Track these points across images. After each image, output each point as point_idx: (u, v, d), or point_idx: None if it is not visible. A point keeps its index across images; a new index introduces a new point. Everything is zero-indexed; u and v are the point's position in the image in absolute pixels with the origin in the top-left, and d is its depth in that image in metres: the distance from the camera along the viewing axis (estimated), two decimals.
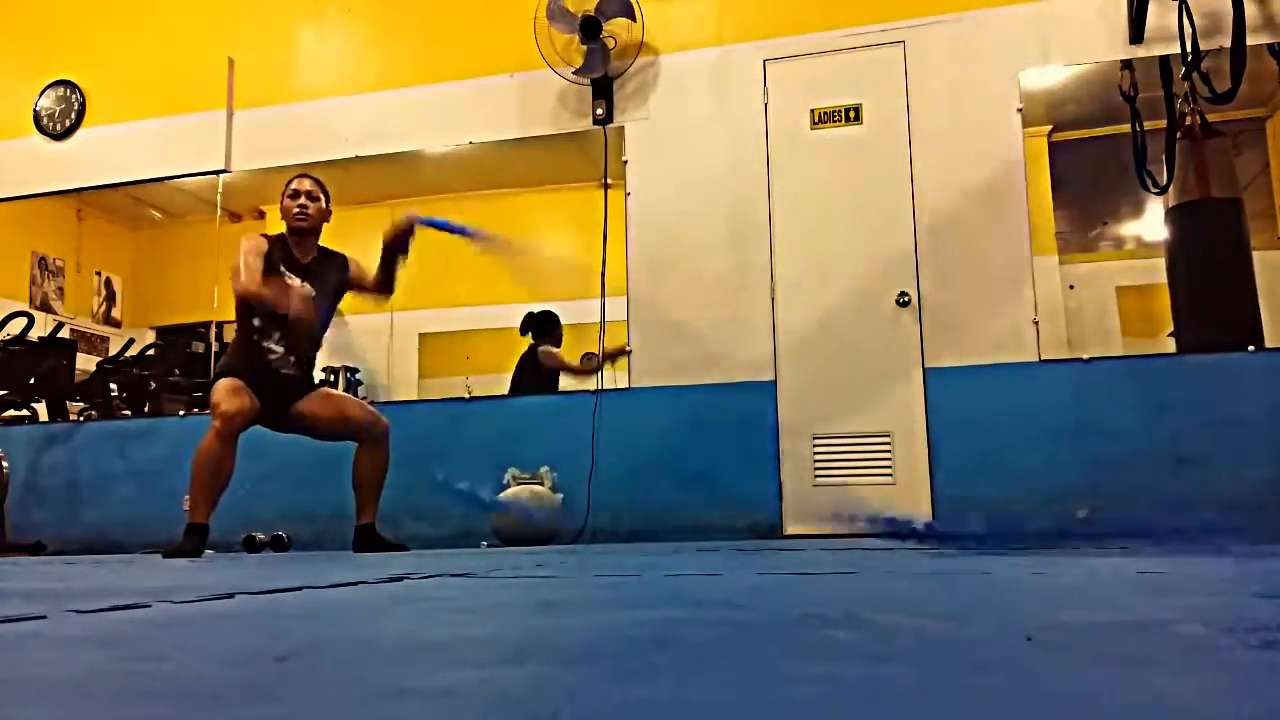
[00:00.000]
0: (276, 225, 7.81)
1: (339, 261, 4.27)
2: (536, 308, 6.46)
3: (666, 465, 4.90)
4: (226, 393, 3.92)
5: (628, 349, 5.18)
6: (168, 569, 3.05)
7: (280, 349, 4.08)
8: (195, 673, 0.89)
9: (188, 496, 3.98)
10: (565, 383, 6.17)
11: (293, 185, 4.18)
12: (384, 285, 4.24)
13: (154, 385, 6.45)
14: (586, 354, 5.98)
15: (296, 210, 4.13)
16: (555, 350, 6.22)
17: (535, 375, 6.13)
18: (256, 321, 4.07)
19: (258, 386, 4.00)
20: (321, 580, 2.16)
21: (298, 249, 4.16)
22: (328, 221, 4.24)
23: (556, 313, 6.36)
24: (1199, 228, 5.07)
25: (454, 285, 7.37)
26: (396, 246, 4.14)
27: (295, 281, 4.06)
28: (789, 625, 1.20)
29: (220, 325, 7.00)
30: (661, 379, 5.04)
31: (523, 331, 6.35)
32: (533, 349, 6.26)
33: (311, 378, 4.31)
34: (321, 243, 4.26)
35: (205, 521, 3.90)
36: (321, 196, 4.20)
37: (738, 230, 5.05)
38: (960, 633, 1.10)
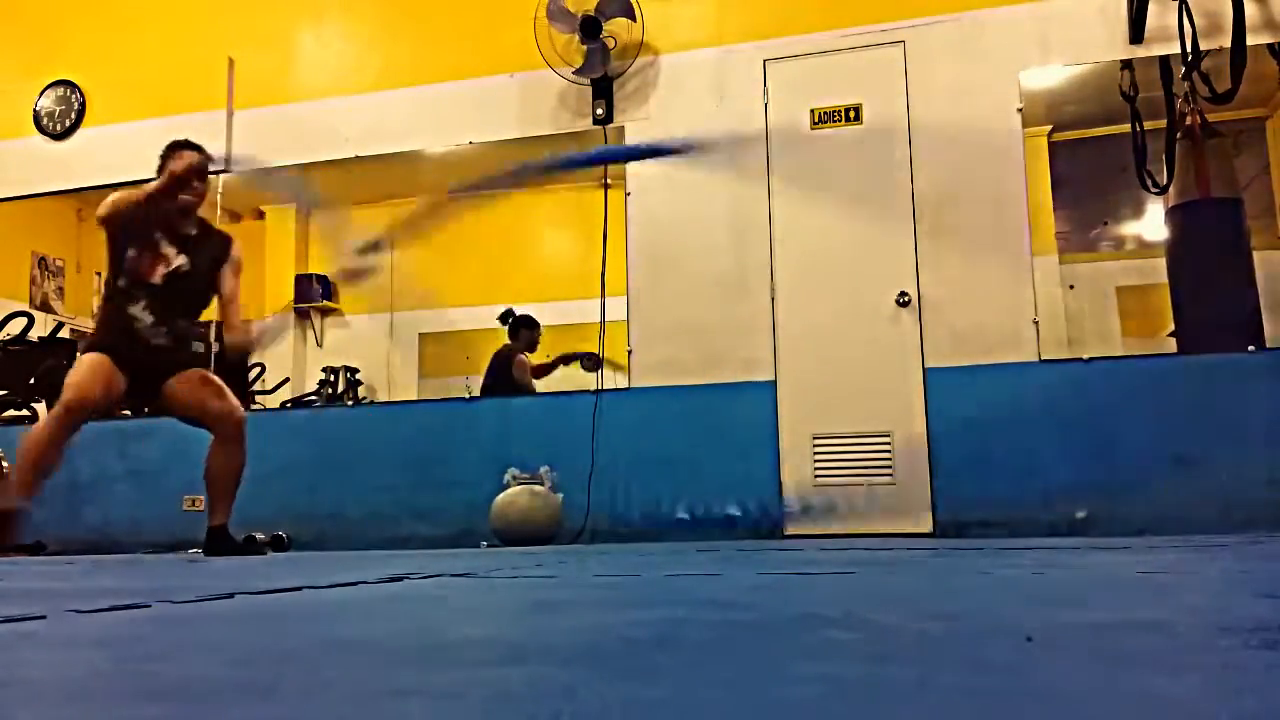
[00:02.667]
0: (276, 224, 7.84)
1: (220, 243, 4.05)
2: (533, 308, 6.54)
3: (666, 465, 4.90)
4: (80, 378, 3.69)
5: (594, 358, 5.22)
6: (168, 569, 3.05)
7: (149, 317, 3.82)
8: (195, 673, 0.89)
9: (199, 498, 3.91)
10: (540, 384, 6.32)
11: (188, 159, 3.86)
12: (228, 332, 4.05)
13: None
14: (586, 354, 6.01)
15: (189, 192, 3.88)
16: (528, 365, 6.32)
17: (507, 380, 6.20)
18: (121, 283, 3.85)
19: (126, 359, 3.78)
20: (321, 580, 2.16)
21: (180, 219, 3.91)
22: None
23: (536, 319, 6.46)
24: (1199, 228, 5.07)
25: (454, 285, 7.38)
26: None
27: (171, 252, 3.84)
28: (789, 625, 1.20)
29: (220, 325, 7.01)
30: (661, 379, 5.04)
31: (503, 323, 6.46)
32: (507, 351, 6.33)
33: (188, 351, 4.02)
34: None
35: (22, 508, 3.72)
36: (206, 169, 3.98)
37: (738, 230, 5.05)
38: (960, 633, 1.10)
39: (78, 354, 3.88)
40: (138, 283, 3.82)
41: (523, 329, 6.41)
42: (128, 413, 6.36)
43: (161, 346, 3.86)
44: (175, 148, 3.96)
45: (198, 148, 3.98)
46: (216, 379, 4.02)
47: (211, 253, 3.98)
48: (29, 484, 3.71)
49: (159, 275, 3.82)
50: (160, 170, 3.93)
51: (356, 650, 1.05)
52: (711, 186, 5.13)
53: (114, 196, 3.84)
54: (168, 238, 3.86)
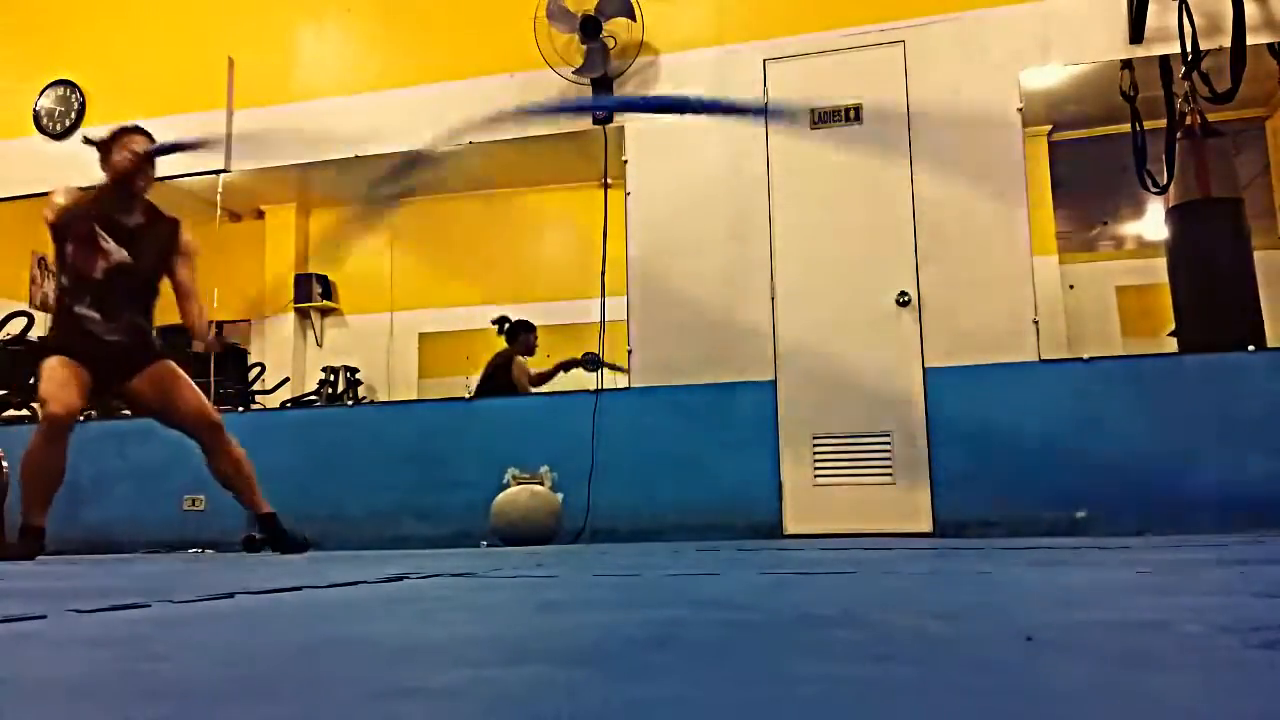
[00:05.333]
0: (277, 223, 7.83)
1: (169, 226, 3.94)
2: (533, 308, 6.55)
3: (666, 465, 4.90)
4: (55, 388, 3.65)
5: (594, 358, 5.22)
6: (168, 569, 3.05)
7: (95, 314, 3.76)
8: (195, 673, 0.89)
9: (199, 498, 3.90)
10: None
11: (128, 139, 3.84)
12: (187, 327, 3.96)
13: None
14: (586, 354, 6.01)
15: (134, 170, 3.80)
16: (526, 367, 6.33)
17: (506, 383, 6.20)
18: (65, 281, 3.81)
19: (84, 358, 3.73)
20: (321, 580, 2.16)
21: (123, 210, 3.84)
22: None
23: (532, 323, 6.47)
24: (1199, 228, 5.07)
25: (454, 285, 7.38)
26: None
27: (111, 246, 3.76)
28: (789, 625, 1.20)
29: (220, 325, 7.00)
30: (661, 379, 5.04)
31: (499, 329, 6.47)
32: (507, 355, 6.34)
33: (147, 345, 3.92)
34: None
35: (42, 524, 3.70)
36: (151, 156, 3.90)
37: (738, 230, 5.05)
38: (960, 633, 1.10)
39: (41, 361, 3.79)
40: (80, 280, 3.76)
41: (520, 333, 6.42)
42: (127, 412, 6.37)
43: (114, 343, 3.79)
44: (119, 134, 3.89)
45: (142, 131, 3.92)
46: (183, 376, 3.91)
47: (158, 242, 3.87)
48: (39, 500, 3.70)
49: (100, 270, 3.74)
50: (103, 159, 3.88)
51: (356, 650, 1.05)
52: (711, 186, 5.13)
53: (55, 197, 3.79)
54: (107, 231, 3.77)
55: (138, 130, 3.93)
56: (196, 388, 3.92)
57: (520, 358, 6.35)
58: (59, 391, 3.64)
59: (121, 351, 3.81)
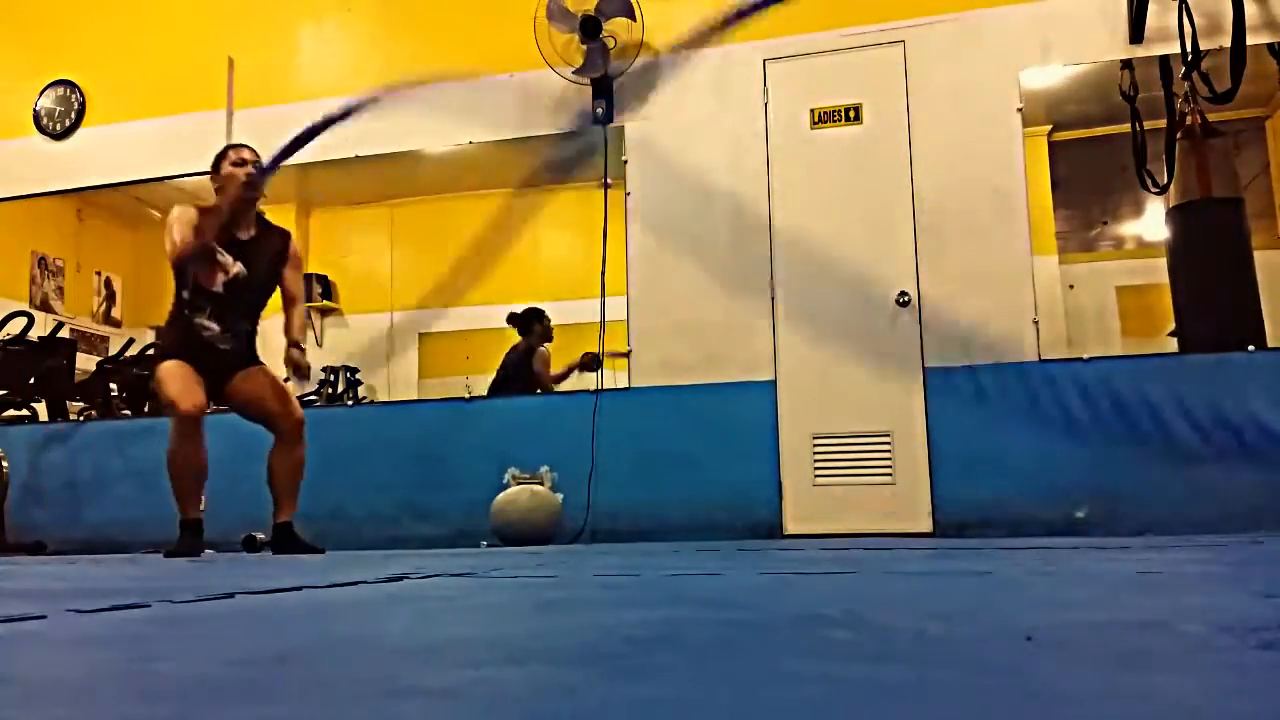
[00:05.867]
0: (277, 223, 7.83)
1: (280, 238, 4.17)
2: (518, 309, 6.50)
3: (666, 465, 4.90)
4: (180, 389, 3.86)
5: (625, 351, 5.19)
6: (168, 569, 3.05)
7: (213, 324, 3.99)
8: (195, 673, 0.89)
9: (200, 499, 4.02)
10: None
11: (241, 153, 4.08)
12: (286, 328, 4.14)
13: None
14: (586, 354, 5.98)
15: (244, 178, 4.01)
16: (549, 357, 6.25)
17: (526, 375, 6.14)
18: (185, 294, 4.00)
19: (196, 362, 3.94)
20: (321, 580, 2.16)
21: (236, 225, 4.03)
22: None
23: (543, 310, 6.39)
24: (1199, 227, 5.07)
25: (454, 285, 7.37)
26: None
27: (228, 261, 3.96)
28: (789, 625, 1.20)
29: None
30: (661, 379, 5.04)
31: (511, 323, 6.39)
32: (525, 346, 6.26)
33: (251, 352, 4.16)
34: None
35: (198, 516, 3.95)
36: (260, 162, 4.12)
37: (738, 230, 5.05)
38: (960, 633, 1.10)
39: (154, 365, 4.11)
40: (201, 293, 3.98)
41: (535, 323, 6.33)
42: (127, 412, 6.37)
43: (226, 350, 4.03)
44: (228, 151, 4.15)
45: (248, 147, 4.16)
46: (279, 379, 4.16)
47: (270, 253, 4.11)
48: (191, 494, 3.95)
49: (219, 284, 3.96)
50: (215, 171, 4.10)
51: (356, 650, 1.05)
52: (712, 186, 5.13)
53: (176, 221, 3.96)
54: (223, 246, 3.99)
55: (244, 146, 4.16)
56: (283, 387, 4.17)
57: (541, 348, 6.24)
58: (185, 392, 3.87)
59: (231, 357, 4.05)
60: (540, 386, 6.14)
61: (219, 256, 3.96)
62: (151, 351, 4.15)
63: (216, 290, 3.96)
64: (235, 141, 4.21)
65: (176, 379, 3.89)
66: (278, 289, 4.17)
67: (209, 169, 4.15)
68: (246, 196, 4.05)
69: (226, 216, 4.02)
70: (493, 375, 6.35)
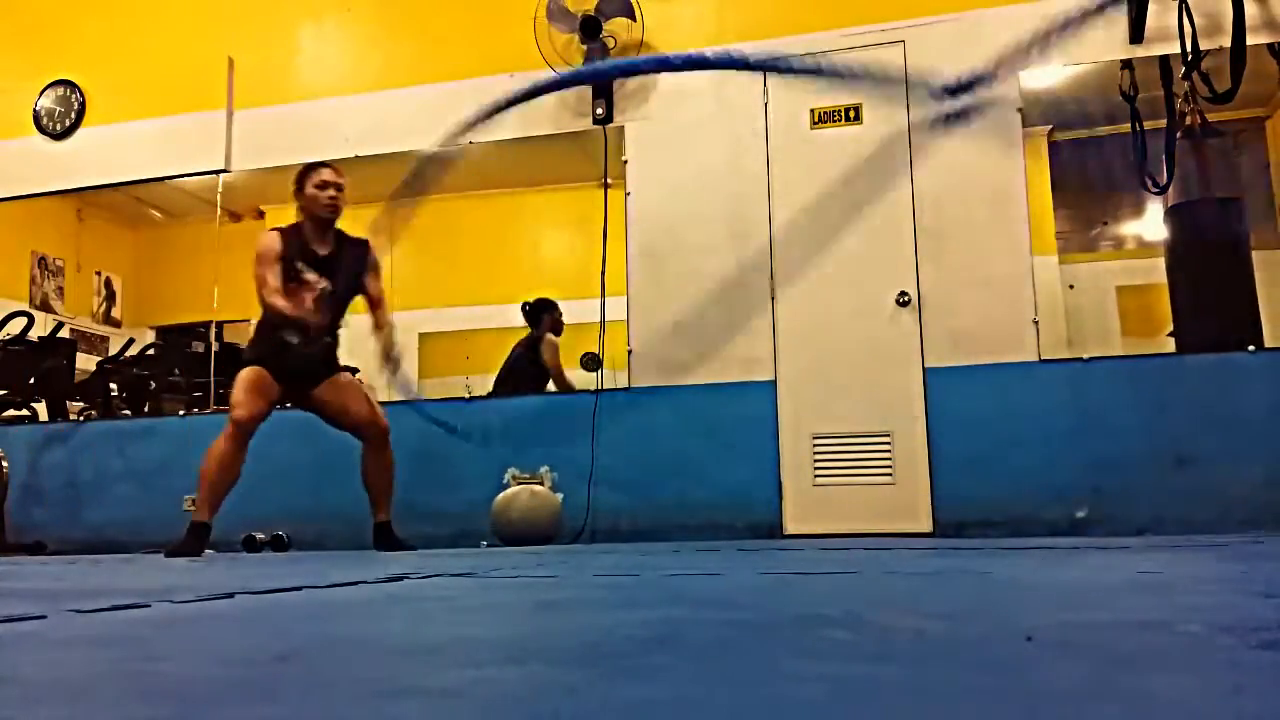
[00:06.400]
0: (277, 223, 7.83)
1: (359, 249, 4.29)
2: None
3: (666, 465, 4.90)
4: (245, 393, 4.03)
5: (594, 358, 5.22)
6: (168, 569, 3.05)
7: (299, 338, 4.13)
8: (195, 673, 0.89)
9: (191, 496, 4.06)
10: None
11: (321, 175, 4.21)
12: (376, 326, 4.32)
13: (154, 385, 6.45)
14: (586, 354, 5.97)
15: (327, 201, 4.17)
16: (558, 346, 6.18)
17: (535, 366, 6.09)
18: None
19: (279, 370, 4.12)
20: (321, 580, 2.16)
21: (317, 241, 4.20)
22: None
23: (554, 300, 6.34)
24: (1199, 227, 5.07)
25: (454, 285, 7.38)
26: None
27: (312, 278, 4.12)
28: (789, 625, 1.20)
29: (220, 325, 7.00)
30: (661, 379, 5.04)
31: (528, 320, 6.32)
32: (533, 338, 6.23)
33: (334, 360, 4.36)
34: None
35: (208, 521, 3.99)
36: (343, 185, 4.26)
37: (738, 230, 5.05)
38: (960, 633, 1.10)
39: (241, 362, 4.27)
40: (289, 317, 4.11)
41: (545, 314, 6.27)
42: (127, 412, 6.37)
43: (310, 361, 4.19)
44: (308, 169, 4.26)
45: (331, 166, 4.30)
46: (356, 385, 4.37)
47: (352, 265, 4.24)
48: (214, 498, 4.02)
49: (309, 302, 4.09)
50: (299, 191, 4.23)
51: (356, 650, 1.05)
52: (712, 186, 5.13)
53: (264, 239, 4.17)
54: (308, 264, 4.14)
55: (326, 165, 4.30)
56: (367, 395, 4.38)
57: (551, 336, 6.18)
58: (246, 398, 4.03)
59: (315, 366, 4.23)
60: (550, 379, 6.08)
61: (305, 276, 4.12)
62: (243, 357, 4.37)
63: (307, 308, 4.10)
64: (318, 162, 4.36)
65: (245, 386, 4.05)
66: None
67: (293, 185, 4.26)
68: (328, 219, 4.20)
69: (309, 236, 4.19)
70: (492, 376, 6.33)
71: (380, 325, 4.26)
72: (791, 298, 4.93)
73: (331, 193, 4.17)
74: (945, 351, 4.70)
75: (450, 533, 4.95)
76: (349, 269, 4.22)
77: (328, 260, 4.19)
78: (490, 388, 6.21)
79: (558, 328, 6.27)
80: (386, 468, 4.30)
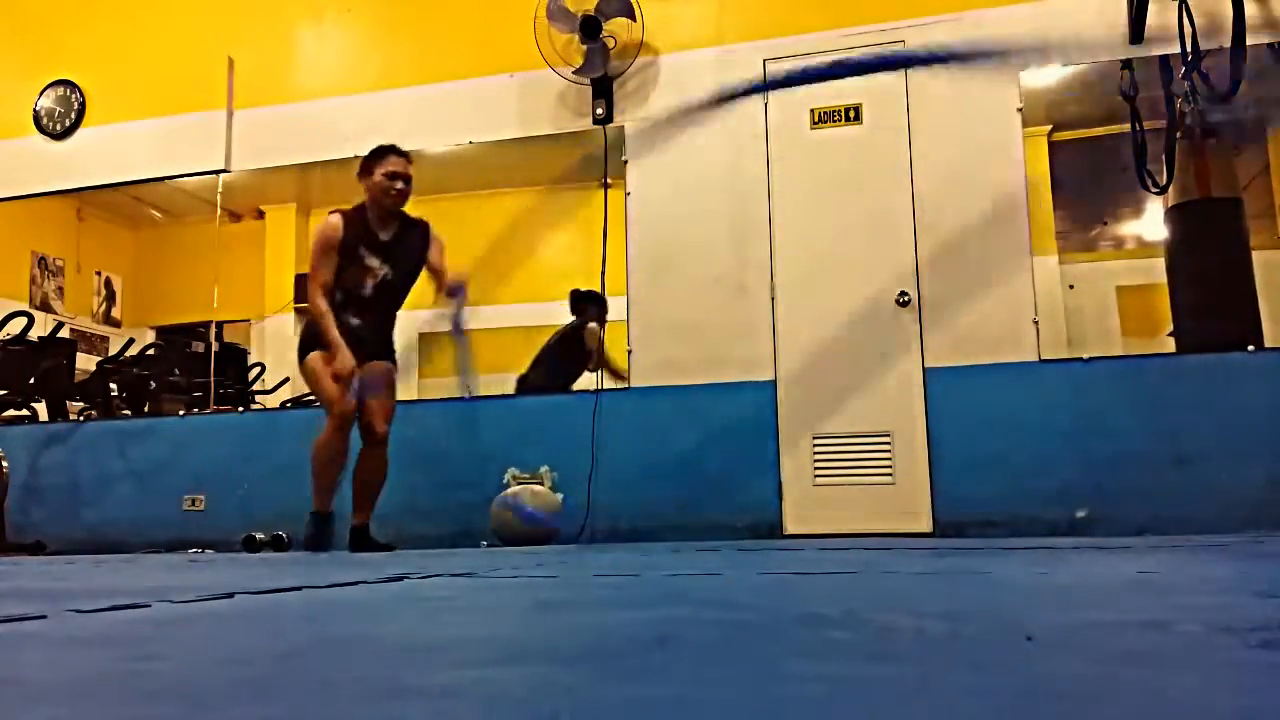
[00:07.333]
0: (277, 223, 7.83)
1: (420, 231, 4.27)
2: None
3: (666, 465, 4.90)
4: (331, 385, 4.03)
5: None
6: (168, 569, 3.05)
7: (359, 321, 4.16)
8: (195, 673, 0.89)
9: (199, 498, 4.10)
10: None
11: (390, 165, 4.16)
12: (445, 294, 4.34)
13: (154, 385, 6.45)
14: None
15: (394, 193, 4.15)
16: (600, 334, 6.07)
17: (578, 350, 5.98)
18: (339, 297, 4.14)
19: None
20: (321, 580, 2.16)
21: (379, 225, 4.18)
22: None
23: (600, 294, 6.20)
24: (1199, 228, 5.07)
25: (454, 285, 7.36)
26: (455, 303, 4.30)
27: (375, 264, 4.13)
28: (789, 625, 1.20)
29: (220, 325, 7.01)
30: (661, 379, 5.04)
31: (572, 309, 6.20)
32: (577, 325, 6.11)
33: (388, 346, 4.34)
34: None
35: (329, 510, 4.13)
36: (411, 175, 4.22)
37: (738, 230, 5.05)
38: (960, 633, 1.10)
39: (302, 341, 4.23)
40: (351, 295, 4.15)
41: (590, 304, 6.12)
42: (127, 412, 6.37)
43: (367, 347, 4.17)
44: (378, 154, 4.20)
45: (400, 152, 4.22)
46: (379, 374, 4.25)
47: (413, 249, 4.23)
48: (329, 488, 4.13)
49: (369, 288, 4.15)
50: (366, 174, 4.18)
51: (356, 650, 1.05)
52: (712, 186, 5.13)
53: (325, 226, 4.15)
54: (370, 250, 4.15)
55: (394, 151, 4.23)
56: (394, 395, 4.35)
57: (593, 325, 5.99)
58: (336, 390, 4.04)
59: (369, 348, 4.19)
60: (594, 364, 5.93)
61: (366, 261, 4.13)
62: (299, 341, 4.32)
63: (366, 294, 4.14)
64: (389, 145, 4.27)
65: (326, 376, 4.05)
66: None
67: (360, 167, 4.22)
68: (394, 208, 4.18)
69: (372, 220, 4.17)
70: (495, 374, 6.31)
71: (451, 293, 4.25)
72: (791, 298, 4.93)
73: (400, 185, 4.15)
74: (945, 351, 4.70)
75: (450, 533, 4.95)
76: (410, 253, 4.21)
77: (389, 245, 4.18)
78: (490, 388, 6.20)
79: (602, 319, 6.12)
80: (382, 469, 4.28)
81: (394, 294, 4.25)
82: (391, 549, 4.24)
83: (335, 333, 4.03)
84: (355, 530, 4.23)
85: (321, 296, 4.07)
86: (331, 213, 4.21)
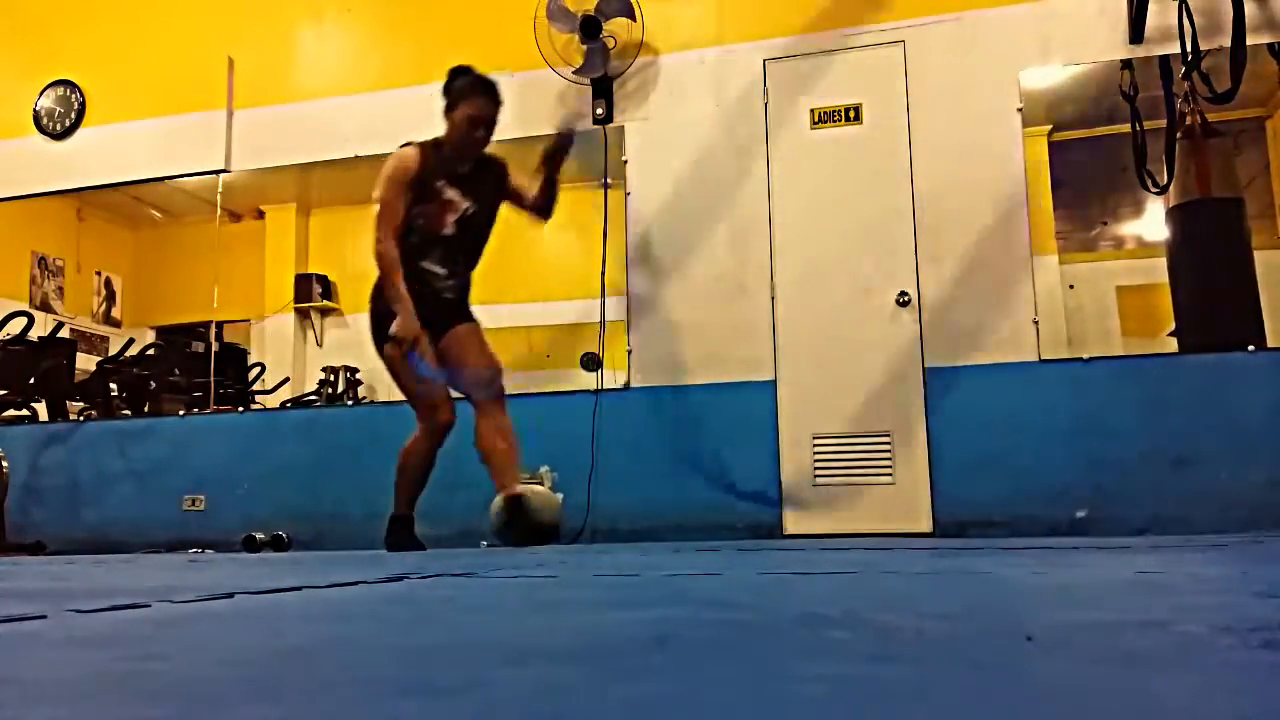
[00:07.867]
0: (277, 223, 7.84)
1: (496, 167, 3.91)
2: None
3: (666, 465, 4.90)
4: (441, 395, 3.76)
5: (593, 357, 5.11)
6: (168, 569, 3.05)
7: (442, 269, 3.78)
8: (195, 673, 0.89)
9: (199, 498, 3.97)
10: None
11: (478, 105, 3.70)
12: (544, 208, 3.93)
13: (154, 385, 6.45)
14: (586, 354, 5.93)
15: (475, 140, 3.73)
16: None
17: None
18: (414, 239, 3.74)
19: (420, 314, 3.66)
20: (321, 580, 2.16)
21: (459, 160, 3.77)
22: None
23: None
24: (1199, 227, 5.07)
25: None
26: (557, 160, 3.79)
27: (455, 197, 3.74)
28: (789, 625, 1.20)
29: (220, 325, 7.01)
30: (661, 379, 5.04)
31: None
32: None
33: (467, 302, 3.95)
34: None
35: (411, 513, 3.90)
36: (497, 118, 3.78)
37: (738, 230, 5.05)
38: (960, 633, 1.10)
39: (374, 308, 3.78)
40: (429, 237, 3.73)
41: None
42: (127, 412, 6.37)
43: (449, 299, 3.83)
44: (464, 91, 3.72)
45: (488, 91, 3.74)
46: (471, 332, 3.88)
47: (492, 183, 3.86)
48: (415, 494, 3.90)
49: (450, 225, 3.74)
50: (449, 109, 3.74)
51: (356, 650, 1.05)
52: (711, 186, 5.13)
53: (400, 158, 3.71)
54: (449, 182, 3.74)
55: (481, 89, 3.73)
56: (491, 352, 3.92)
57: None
58: (445, 401, 3.79)
59: (451, 307, 3.85)
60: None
61: (446, 195, 3.72)
62: (370, 311, 3.84)
63: (446, 233, 3.73)
64: (481, 83, 3.74)
65: (436, 388, 3.75)
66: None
67: (445, 94, 3.74)
68: (472, 157, 3.78)
69: (450, 154, 3.75)
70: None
71: (533, 193, 3.87)
72: (791, 298, 4.93)
73: (481, 133, 3.72)
74: (945, 351, 4.70)
75: (450, 533, 4.94)
76: (491, 187, 3.85)
77: (469, 178, 3.78)
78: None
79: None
80: (505, 431, 3.80)
81: (478, 233, 3.85)
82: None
83: (403, 287, 3.60)
84: (509, 499, 3.75)
85: (392, 241, 3.62)
86: (404, 145, 3.78)
